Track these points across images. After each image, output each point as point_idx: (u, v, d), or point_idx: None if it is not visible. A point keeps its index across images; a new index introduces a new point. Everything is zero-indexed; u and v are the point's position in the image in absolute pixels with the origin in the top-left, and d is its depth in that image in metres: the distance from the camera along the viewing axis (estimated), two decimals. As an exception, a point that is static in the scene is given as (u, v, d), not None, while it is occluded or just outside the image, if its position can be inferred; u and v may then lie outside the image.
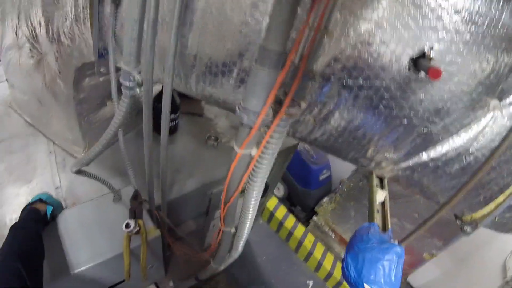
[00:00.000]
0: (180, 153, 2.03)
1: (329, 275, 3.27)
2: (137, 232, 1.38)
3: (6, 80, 1.98)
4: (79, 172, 1.68)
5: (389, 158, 1.06)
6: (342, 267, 0.96)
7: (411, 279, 3.65)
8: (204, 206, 2.09)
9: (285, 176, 3.58)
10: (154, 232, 1.46)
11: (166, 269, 1.89)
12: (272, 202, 3.35)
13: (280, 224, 3.38)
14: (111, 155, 1.73)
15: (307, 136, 1.07)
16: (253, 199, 1.01)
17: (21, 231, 1.17)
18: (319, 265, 3.28)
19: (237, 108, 0.76)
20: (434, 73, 0.68)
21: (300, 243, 3.34)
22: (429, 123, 0.90)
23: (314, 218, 3.37)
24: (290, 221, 3.34)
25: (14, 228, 1.17)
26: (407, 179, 1.14)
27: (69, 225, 1.43)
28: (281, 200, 3.58)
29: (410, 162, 1.05)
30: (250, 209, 1.07)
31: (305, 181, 3.46)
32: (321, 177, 3.45)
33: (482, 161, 0.97)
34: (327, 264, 3.23)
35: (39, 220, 1.28)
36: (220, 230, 1.22)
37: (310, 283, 3.35)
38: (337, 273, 3.22)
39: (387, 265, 0.88)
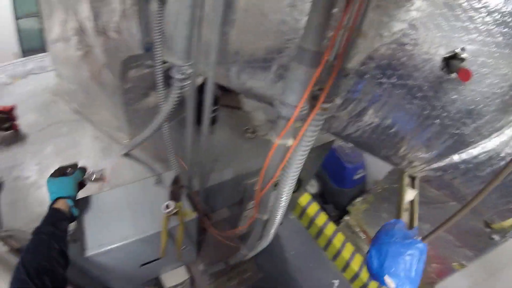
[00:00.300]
0: (219, 144, 2.12)
1: (356, 276, 3.24)
2: (176, 213, 1.48)
3: (54, 70, 2.14)
4: (127, 155, 1.83)
5: (420, 158, 1.08)
6: (366, 258, 1.00)
7: None
8: (238, 195, 2.16)
9: (320, 173, 3.60)
10: (191, 215, 1.55)
11: (198, 252, 1.98)
12: (304, 198, 3.37)
13: (311, 221, 3.39)
14: (153, 142, 1.85)
15: (341, 131, 1.10)
16: (286, 188, 1.07)
17: (36, 240, 1.12)
18: (347, 265, 3.26)
19: (276, 102, 0.82)
20: (464, 75, 0.70)
21: (329, 242, 3.34)
22: (461, 124, 0.91)
23: (346, 217, 3.36)
24: (322, 218, 3.34)
25: (33, 234, 1.14)
26: (438, 180, 1.15)
27: (112, 203, 1.53)
28: (314, 197, 3.59)
29: (442, 163, 1.06)
30: (283, 198, 1.12)
31: (339, 179, 3.46)
32: (356, 177, 3.43)
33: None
34: (355, 265, 3.20)
35: (61, 221, 1.22)
36: (253, 216, 1.29)
37: (336, 282, 3.35)
38: (364, 275, 3.18)
39: (408, 260, 0.91)
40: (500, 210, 1.18)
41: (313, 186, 3.74)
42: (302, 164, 1.00)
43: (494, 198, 1.12)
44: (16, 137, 1.87)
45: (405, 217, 1.09)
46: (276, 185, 1.11)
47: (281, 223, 2.83)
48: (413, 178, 1.20)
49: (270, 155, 0.92)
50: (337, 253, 3.32)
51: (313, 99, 0.81)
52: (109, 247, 1.39)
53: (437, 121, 0.91)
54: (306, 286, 3.23)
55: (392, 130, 0.99)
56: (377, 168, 3.47)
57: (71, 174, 1.39)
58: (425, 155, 1.05)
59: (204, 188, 1.78)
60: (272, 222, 1.27)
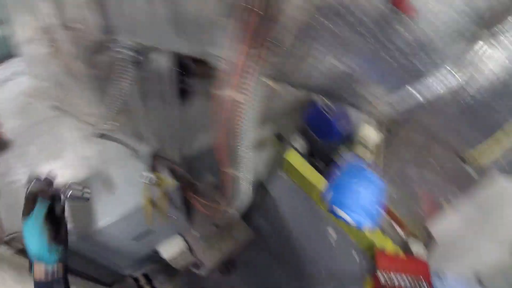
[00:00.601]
0: (198, 114, 2.13)
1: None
2: (157, 184, 1.53)
3: (27, 72, 2.16)
4: (101, 136, 1.84)
5: (382, 100, 1.08)
6: (324, 192, 1.04)
7: (431, 228, 3.66)
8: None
9: (305, 129, 3.59)
10: (171, 183, 1.61)
11: (190, 220, 2.05)
12: (292, 156, 3.40)
13: (302, 177, 3.45)
14: (132, 121, 1.86)
15: (295, 80, 1.09)
16: (247, 143, 1.09)
17: None
18: (340, 213, 3.37)
19: (215, 58, 0.82)
20: (406, 9, 0.70)
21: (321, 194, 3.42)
22: (416, 60, 0.90)
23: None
24: (311, 173, 3.40)
25: None
26: (407, 122, 1.16)
27: (97, 185, 1.60)
28: (302, 154, 3.64)
29: (405, 104, 1.05)
30: (247, 151, 1.14)
31: (325, 133, 3.44)
32: (341, 129, 3.43)
33: (481, 101, 0.96)
34: (348, 212, 3.30)
35: None
36: (225, 173, 1.33)
37: (332, 231, 3.48)
38: (358, 221, 3.29)
39: (363, 194, 0.95)
40: (471, 143, 1.18)
41: (299, 144, 3.76)
42: (256, 117, 1.02)
43: (466, 132, 1.13)
44: (2, 144, 1.92)
45: (369, 157, 1.12)
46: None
47: (269, 182, 2.89)
48: (380, 122, 1.22)
49: (219, 109, 0.94)
50: (330, 204, 3.40)
51: (252, 50, 0.82)
52: (103, 226, 1.49)
53: (390, 59, 0.89)
54: (302, 238, 3.36)
55: (347, 73, 0.98)
56: (363, 118, 3.47)
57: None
58: (385, 96, 1.05)
59: (185, 158, 1.82)
60: (243, 177, 1.31)
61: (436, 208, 3.21)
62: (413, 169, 2.97)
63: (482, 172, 1.58)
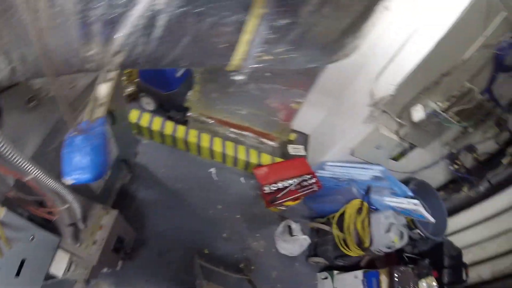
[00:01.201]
0: (9, 133, 1.99)
1: (224, 155, 3.57)
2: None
3: None
4: None
5: (96, 53, 1.09)
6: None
7: (300, 128, 4.11)
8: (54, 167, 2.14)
9: (148, 88, 3.55)
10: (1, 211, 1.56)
11: (56, 233, 2.00)
12: (144, 119, 3.38)
13: (162, 134, 3.48)
14: None
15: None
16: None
17: None
18: (211, 151, 3.55)
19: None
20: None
21: (186, 142, 3.51)
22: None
23: (189, 113, 3.48)
24: (169, 127, 3.41)
25: None
26: (133, 59, 1.16)
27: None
28: (156, 112, 3.64)
29: (120, 44, 1.02)
30: (13, 154, 1.13)
31: (164, 84, 3.46)
32: (178, 75, 3.43)
33: (177, 16, 1.03)
34: (217, 148, 3.49)
35: None
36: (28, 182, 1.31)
37: (213, 170, 3.68)
38: (229, 151, 3.52)
39: (78, 155, 1.04)
40: (231, 54, 1.22)
41: (149, 104, 3.72)
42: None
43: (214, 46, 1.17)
44: None
45: (101, 112, 1.18)
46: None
47: (132, 154, 2.82)
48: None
49: None
50: (198, 147, 3.55)
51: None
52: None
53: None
54: (191, 188, 3.49)
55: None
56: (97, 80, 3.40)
57: None
58: (96, 49, 1.06)
59: (17, 182, 1.73)
60: (40, 175, 1.30)
61: (290, 112, 3.50)
62: (253, 85, 3.17)
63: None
